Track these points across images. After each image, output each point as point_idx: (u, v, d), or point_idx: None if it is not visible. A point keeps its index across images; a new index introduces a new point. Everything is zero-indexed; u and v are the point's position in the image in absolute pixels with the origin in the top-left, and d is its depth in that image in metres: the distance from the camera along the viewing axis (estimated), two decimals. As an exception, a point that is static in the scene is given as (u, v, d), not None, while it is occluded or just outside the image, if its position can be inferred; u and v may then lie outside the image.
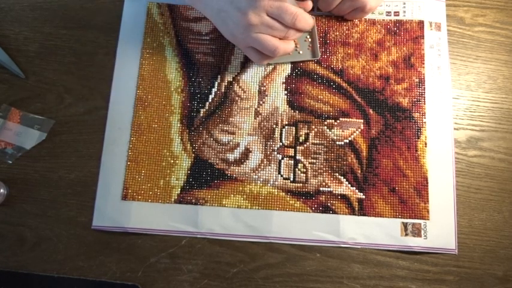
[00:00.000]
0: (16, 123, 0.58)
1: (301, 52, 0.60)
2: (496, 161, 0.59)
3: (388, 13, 0.63)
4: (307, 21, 0.53)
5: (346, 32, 0.62)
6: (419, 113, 0.59)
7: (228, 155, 0.57)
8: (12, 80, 0.60)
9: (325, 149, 0.58)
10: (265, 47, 0.53)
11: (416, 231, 0.55)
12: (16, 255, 0.55)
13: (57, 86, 0.60)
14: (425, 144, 0.58)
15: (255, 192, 0.56)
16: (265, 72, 0.60)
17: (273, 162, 0.57)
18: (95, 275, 0.55)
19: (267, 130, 0.58)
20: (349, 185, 0.57)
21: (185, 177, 0.57)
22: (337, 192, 0.56)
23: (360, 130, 0.58)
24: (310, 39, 0.61)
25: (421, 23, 0.62)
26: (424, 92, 0.60)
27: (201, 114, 0.59)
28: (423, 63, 0.61)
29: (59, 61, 0.61)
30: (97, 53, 0.61)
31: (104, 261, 0.55)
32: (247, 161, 0.57)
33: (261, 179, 0.57)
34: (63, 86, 0.60)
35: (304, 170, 0.57)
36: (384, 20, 0.63)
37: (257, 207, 0.56)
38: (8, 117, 0.58)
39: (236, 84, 0.60)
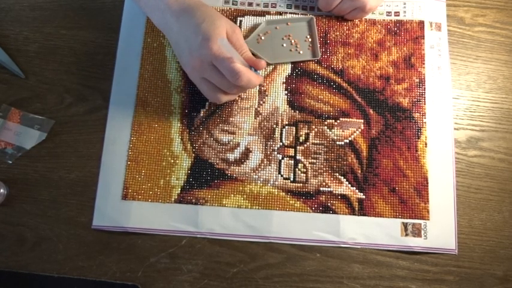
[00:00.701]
0: (16, 123, 0.58)
1: (301, 52, 0.60)
2: (496, 161, 0.59)
3: (389, 13, 0.63)
4: (251, 81, 0.49)
5: (347, 32, 0.62)
6: (420, 113, 0.59)
7: (228, 154, 0.57)
8: (12, 80, 0.60)
9: (325, 149, 0.58)
10: (206, 94, 0.53)
11: (417, 232, 0.55)
12: (16, 255, 0.55)
13: (57, 86, 0.60)
14: (426, 144, 0.58)
15: (255, 192, 0.56)
16: (266, 72, 0.60)
17: (273, 162, 0.57)
18: (95, 275, 0.54)
19: (267, 130, 0.58)
20: (349, 185, 0.57)
21: (185, 177, 0.57)
22: (337, 192, 0.56)
23: (360, 130, 0.58)
24: (310, 39, 0.61)
25: (421, 23, 0.62)
26: (425, 92, 0.60)
27: (201, 114, 0.59)
28: (423, 64, 0.61)
29: (59, 61, 0.61)
30: (97, 53, 0.61)
31: (104, 261, 0.55)
32: (247, 160, 0.57)
33: (261, 179, 0.57)
34: (63, 86, 0.60)
35: (305, 170, 0.57)
36: (384, 20, 0.63)
37: (257, 207, 0.56)
38: (8, 117, 0.58)
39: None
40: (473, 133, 0.60)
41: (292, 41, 0.61)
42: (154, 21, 0.56)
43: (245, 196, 0.56)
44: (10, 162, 0.57)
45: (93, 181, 0.57)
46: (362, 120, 0.59)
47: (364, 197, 0.56)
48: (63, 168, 0.57)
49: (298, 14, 0.63)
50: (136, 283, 0.54)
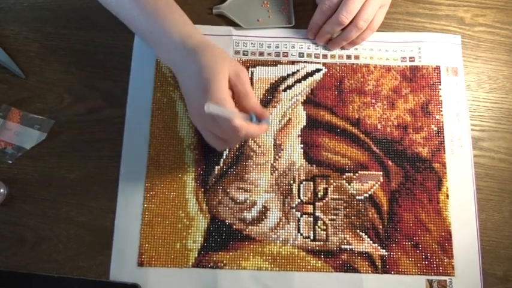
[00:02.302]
0: (16, 123, 0.57)
1: (270, 17, 0.61)
2: (496, 161, 0.59)
3: (403, 59, 0.61)
4: (251, 134, 0.47)
5: (361, 79, 0.60)
6: (440, 163, 0.58)
7: (245, 214, 0.56)
8: (12, 80, 0.60)
9: (344, 205, 0.56)
10: (209, 142, 0.52)
11: (442, 289, 0.54)
12: (16, 255, 0.54)
13: (57, 86, 0.60)
14: (447, 196, 0.57)
15: (275, 252, 0.55)
16: (280, 125, 0.59)
17: (291, 220, 0.56)
18: (95, 275, 0.54)
19: (284, 186, 0.57)
20: (371, 242, 0.55)
21: (202, 239, 0.55)
22: (359, 249, 0.55)
23: (379, 183, 0.57)
24: (285, 3, 0.62)
25: (437, 69, 0.61)
26: (444, 141, 0.58)
27: (216, 172, 0.57)
28: (441, 111, 0.60)
29: (59, 61, 0.61)
30: (97, 53, 0.61)
31: (103, 261, 0.54)
32: (265, 219, 0.56)
33: (280, 239, 0.55)
34: (63, 86, 0.60)
35: (324, 227, 0.55)
36: (399, 66, 0.61)
37: (277, 268, 0.54)
38: (8, 117, 0.58)
39: (251, 139, 0.58)
40: (473, 133, 0.59)
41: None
42: (164, 60, 0.55)
43: (265, 257, 0.54)
44: (10, 162, 0.57)
45: (93, 181, 0.56)
46: (381, 173, 0.57)
47: (386, 253, 0.55)
48: (63, 168, 0.57)
49: (310, 62, 0.61)
50: (136, 282, 0.53)
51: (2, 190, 0.55)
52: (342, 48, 0.62)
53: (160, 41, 0.52)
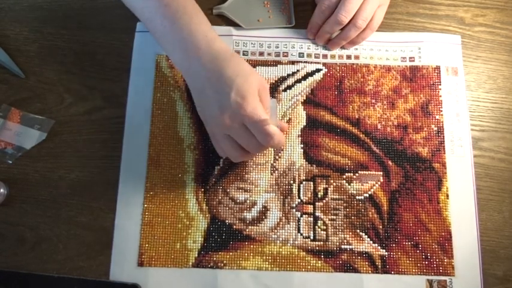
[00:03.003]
0: (16, 123, 0.58)
1: (271, 17, 0.61)
2: (496, 161, 0.59)
3: (403, 59, 0.61)
4: (280, 142, 0.48)
5: (361, 79, 0.60)
6: (440, 163, 0.58)
7: (245, 214, 0.56)
8: (12, 80, 0.60)
9: (344, 205, 0.56)
10: (226, 151, 0.51)
11: (442, 289, 0.54)
12: (16, 255, 0.54)
13: (57, 86, 0.60)
14: (447, 196, 0.57)
15: (275, 252, 0.55)
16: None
17: (291, 220, 0.56)
18: (94, 275, 0.54)
19: (284, 186, 0.57)
20: (371, 242, 0.55)
21: (202, 239, 0.55)
22: (359, 249, 0.55)
23: (379, 183, 0.57)
24: (286, 3, 0.62)
25: (437, 69, 0.61)
26: (444, 141, 0.58)
27: (216, 172, 0.57)
28: (441, 111, 0.59)
29: (59, 61, 0.61)
30: (97, 53, 0.61)
31: (103, 261, 0.54)
32: (265, 219, 0.56)
33: (281, 239, 0.55)
34: (63, 86, 0.60)
35: (324, 227, 0.55)
36: (399, 66, 0.61)
37: (277, 268, 0.54)
38: (8, 117, 0.58)
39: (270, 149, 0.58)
40: (473, 133, 0.59)
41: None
42: (174, 61, 0.52)
43: (265, 257, 0.54)
44: (10, 162, 0.57)
45: (93, 181, 0.56)
46: (381, 173, 0.57)
47: (386, 253, 0.55)
48: (63, 168, 0.57)
49: (310, 62, 0.61)
50: (136, 282, 0.53)
51: (2, 190, 0.55)
52: (342, 47, 0.62)
53: (182, 44, 0.50)
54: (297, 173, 0.57)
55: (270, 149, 0.58)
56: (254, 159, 0.57)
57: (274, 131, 0.46)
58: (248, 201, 0.56)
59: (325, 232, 0.55)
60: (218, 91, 0.48)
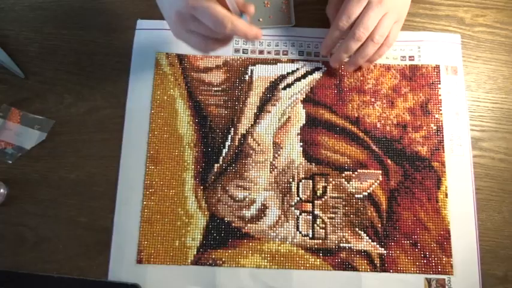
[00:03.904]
0: (16, 123, 0.58)
1: (271, 17, 0.61)
2: (496, 161, 0.59)
3: (403, 58, 0.61)
4: (236, 26, 0.44)
5: (361, 78, 0.60)
6: (439, 162, 0.58)
7: (244, 212, 0.56)
8: (12, 80, 0.60)
9: (343, 203, 0.56)
10: (198, 48, 0.49)
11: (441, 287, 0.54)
12: (16, 255, 0.54)
13: (57, 86, 0.60)
14: (446, 194, 0.57)
15: (274, 250, 0.55)
16: (279, 124, 0.59)
17: (290, 218, 0.56)
18: (94, 275, 0.54)
19: (283, 184, 0.57)
20: (370, 240, 0.55)
21: (201, 236, 0.55)
22: (357, 248, 0.55)
23: (378, 182, 0.57)
24: (285, 3, 0.61)
25: (437, 68, 0.61)
26: (443, 140, 0.58)
27: (215, 170, 0.57)
28: (440, 110, 0.60)
29: (59, 61, 0.61)
30: (97, 53, 0.61)
31: (103, 261, 0.54)
32: (264, 217, 0.56)
33: (279, 237, 0.55)
34: (63, 86, 0.60)
35: (323, 225, 0.55)
36: (399, 65, 0.61)
37: (276, 266, 0.54)
38: (8, 117, 0.58)
39: (250, 137, 0.58)
40: (473, 133, 0.59)
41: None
42: None
43: (263, 255, 0.54)
44: (10, 162, 0.57)
45: (93, 181, 0.56)
46: (380, 171, 0.57)
47: (385, 252, 0.55)
48: (63, 168, 0.57)
49: (310, 61, 0.61)
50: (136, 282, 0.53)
51: (2, 190, 0.55)
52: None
53: None
54: (296, 171, 0.57)
55: (268, 147, 0.58)
56: (253, 157, 0.57)
57: (220, 13, 0.43)
58: (247, 199, 0.56)
59: (324, 230, 0.55)
60: None
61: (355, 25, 0.54)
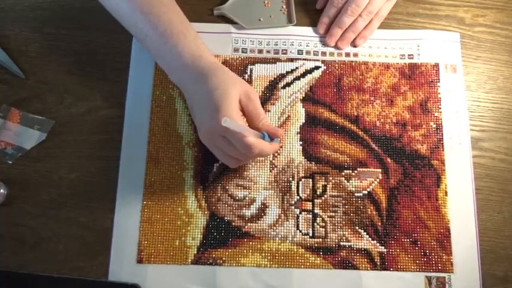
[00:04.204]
0: (16, 124, 0.58)
1: (272, 16, 0.62)
2: (496, 161, 0.59)
3: (402, 56, 0.62)
4: (263, 151, 0.48)
5: (360, 77, 0.61)
6: (438, 160, 0.58)
7: (244, 211, 0.56)
8: (12, 80, 0.60)
9: (343, 201, 0.56)
10: (222, 161, 0.53)
11: (441, 286, 0.54)
12: (16, 255, 0.54)
13: (57, 86, 0.60)
14: (446, 193, 0.57)
15: (274, 249, 0.55)
16: (279, 122, 0.59)
17: (290, 217, 0.56)
18: (95, 275, 0.54)
19: (283, 183, 0.57)
20: (370, 239, 0.55)
21: (201, 236, 0.55)
22: (357, 246, 0.55)
23: (378, 180, 0.57)
24: (285, 2, 0.62)
25: (436, 66, 0.61)
26: (442, 138, 0.58)
27: (215, 169, 0.57)
28: (440, 108, 0.60)
29: (59, 61, 0.61)
30: (97, 53, 0.61)
31: (103, 261, 0.54)
32: (264, 216, 0.56)
33: (280, 236, 0.55)
34: (63, 86, 0.60)
35: (323, 224, 0.55)
36: (398, 63, 0.61)
37: (276, 265, 0.54)
38: (8, 118, 0.58)
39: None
40: (474, 133, 0.59)
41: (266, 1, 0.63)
42: (174, 80, 0.55)
43: (264, 254, 0.55)
44: (10, 162, 0.57)
45: (93, 181, 0.56)
46: (380, 170, 0.57)
47: (385, 250, 0.55)
48: (63, 168, 0.57)
49: (309, 59, 0.61)
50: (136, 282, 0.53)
51: (2, 190, 0.55)
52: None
53: (172, 62, 0.53)
54: (295, 170, 0.57)
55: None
56: (253, 156, 0.57)
57: (251, 142, 0.46)
58: (247, 198, 0.56)
59: (324, 229, 0.55)
60: (201, 106, 0.50)
61: (348, 1, 0.59)
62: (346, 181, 0.57)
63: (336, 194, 0.56)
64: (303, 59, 0.61)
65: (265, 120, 0.50)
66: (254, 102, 0.50)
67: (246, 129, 0.46)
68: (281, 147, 0.58)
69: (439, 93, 0.60)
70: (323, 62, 0.61)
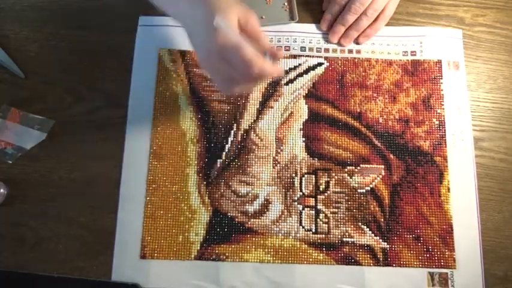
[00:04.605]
0: (16, 123, 0.58)
1: (274, 14, 0.62)
2: (496, 161, 0.59)
3: (405, 53, 0.62)
4: (264, 69, 0.43)
5: (363, 73, 0.61)
6: (441, 156, 0.58)
7: (247, 207, 0.56)
8: (12, 80, 0.60)
9: (346, 198, 0.56)
10: (220, 87, 0.51)
11: (444, 281, 0.54)
12: (16, 255, 0.54)
13: (57, 86, 0.60)
14: (448, 189, 0.57)
15: (277, 245, 0.55)
16: (282, 119, 0.59)
17: (293, 213, 0.56)
18: (95, 275, 0.54)
19: (286, 179, 0.57)
20: (373, 235, 0.55)
21: (204, 232, 0.55)
22: (360, 242, 0.55)
23: (381, 176, 0.57)
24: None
25: (439, 63, 0.61)
26: (445, 135, 0.59)
27: (218, 165, 0.57)
28: (443, 105, 0.60)
29: (59, 61, 0.61)
30: (97, 53, 0.61)
31: (103, 261, 0.54)
32: (267, 212, 0.56)
33: (283, 231, 0.55)
34: (63, 86, 0.60)
35: (326, 220, 0.56)
36: (400, 60, 0.61)
37: (279, 261, 0.54)
38: (8, 117, 0.58)
39: (253, 132, 0.58)
40: (474, 133, 0.60)
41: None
42: (169, 13, 0.52)
43: (267, 250, 0.55)
44: (10, 162, 0.57)
45: (93, 182, 0.56)
46: (383, 166, 0.57)
47: (388, 246, 0.55)
48: (63, 168, 0.57)
49: (312, 56, 0.61)
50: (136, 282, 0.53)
51: (2, 190, 0.55)
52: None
53: None
54: (298, 166, 0.57)
55: (271, 142, 0.58)
56: (256, 152, 0.57)
57: (250, 55, 0.42)
58: (250, 194, 0.56)
59: (326, 225, 0.55)
60: (198, 28, 0.47)
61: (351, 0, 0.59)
62: (349, 177, 0.57)
63: (339, 190, 0.57)
64: (306, 56, 0.61)
65: (265, 40, 0.47)
66: (252, 23, 0.47)
67: (241, 41, 0.43)
68: (284, 142, 0.58)
69: (442, 90, 0.60)
70: (326, 58, 0.61)
